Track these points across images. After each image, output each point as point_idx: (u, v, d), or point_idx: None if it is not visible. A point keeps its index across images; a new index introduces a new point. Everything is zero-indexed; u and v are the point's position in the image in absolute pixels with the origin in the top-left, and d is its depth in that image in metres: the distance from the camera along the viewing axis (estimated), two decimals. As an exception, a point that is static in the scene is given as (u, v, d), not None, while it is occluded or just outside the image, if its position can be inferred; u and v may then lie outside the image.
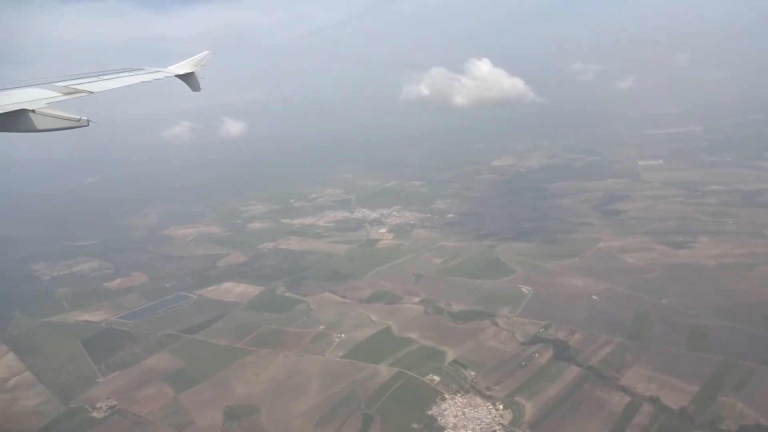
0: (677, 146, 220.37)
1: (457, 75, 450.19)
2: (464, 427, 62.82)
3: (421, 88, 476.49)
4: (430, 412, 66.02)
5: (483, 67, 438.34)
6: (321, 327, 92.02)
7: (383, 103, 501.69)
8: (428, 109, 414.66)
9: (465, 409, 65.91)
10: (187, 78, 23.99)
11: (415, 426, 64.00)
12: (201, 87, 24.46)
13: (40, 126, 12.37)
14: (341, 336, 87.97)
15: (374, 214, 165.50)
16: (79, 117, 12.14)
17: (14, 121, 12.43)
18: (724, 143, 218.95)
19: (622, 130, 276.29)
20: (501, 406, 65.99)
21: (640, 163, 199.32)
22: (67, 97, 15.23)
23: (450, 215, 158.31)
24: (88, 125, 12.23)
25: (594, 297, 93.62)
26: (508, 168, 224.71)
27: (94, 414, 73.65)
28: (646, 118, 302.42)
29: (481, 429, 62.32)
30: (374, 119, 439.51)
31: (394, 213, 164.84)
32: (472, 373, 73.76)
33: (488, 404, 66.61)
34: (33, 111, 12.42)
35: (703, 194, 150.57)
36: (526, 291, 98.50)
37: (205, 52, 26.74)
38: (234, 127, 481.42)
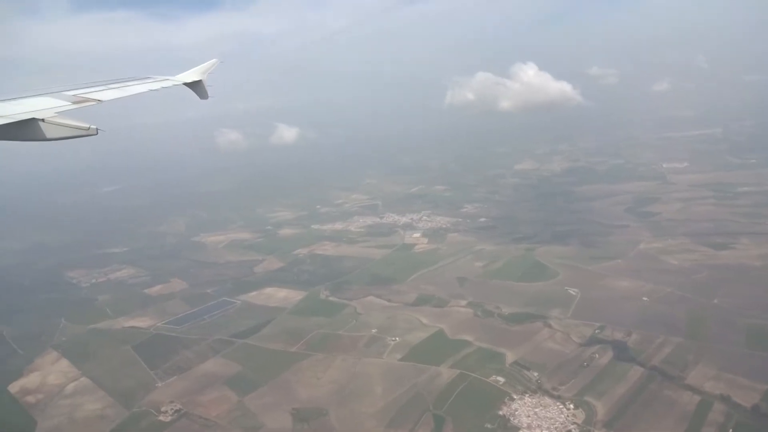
0: (700, 148, 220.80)
1: (503, 79, 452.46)
2: (539, 426, 63.23)
3: (467, 93, 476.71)
4: (501, 413, 66.44)
5: (529, 71, 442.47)
6: (373, 330, 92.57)
7: (426, 108, 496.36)
8: (471, 114, 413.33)
9: (536, 409, 66.35)
10: (195, 86, 24.11)
11: (489, 426, 64.48)
12: (209, 95, 24.57)
13: (49, 135, 12.37)
14: (395, 339, 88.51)
15: (404, 219, 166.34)
16: (87, 125, 12.16)
17: (24, 130, 12.43)
18: (746, 145, 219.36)
19: (641, 133, 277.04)
20: (572, 406, 66.42)
21: (664, 165, 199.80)
22: (76, 106, 15.30)
23: (482, 219, 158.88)
24: (96, 134, 12.22)
25: (644, 298, 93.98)
26: (531, 172, 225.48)
27: (161, 418, 74.23)
28: (663, 120, 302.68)
29: (555, 429, 62.71)
30: (398, 126, 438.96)
31: (425, 218, 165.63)
32: (536, 374, 74.19)
33: (558, 404, 67.05)
34: (42, 120, 12.43)
35: (734, 196, 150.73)
36: (573, 293, 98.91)
37: (213, 60, 26.88)
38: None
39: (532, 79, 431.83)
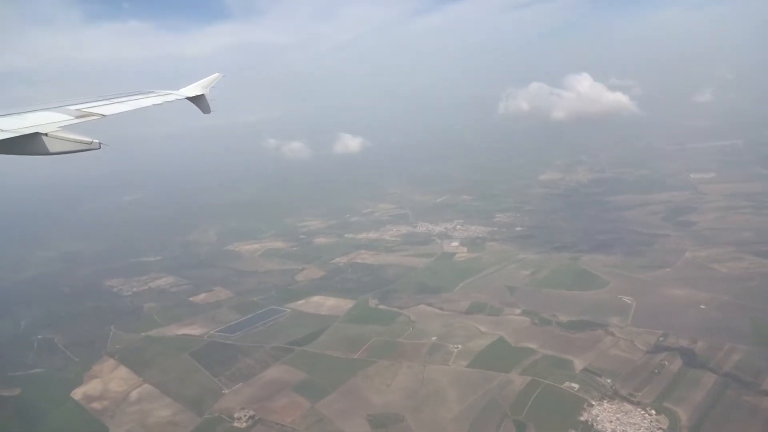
0: (725, 159, 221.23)
1: (557, 89, 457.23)
2: (624, 432, 63.66)
3: (521, 104, 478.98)
4: (582, 419, 66.90)
5: (584, 81, 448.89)
6: (433, 338, 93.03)
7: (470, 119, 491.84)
8: (523, 124, 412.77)
9: (617, 415, 66.79)
10: (198, 100, 24.42)
11: (573, 432, 64.93)
12: (211, 109, 24.79)
13: (52, 149, 12.50)
14: (458, 347, 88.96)
15: (438, 228, 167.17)
16: (90, 140, 12.28)
17: (28, 144, 12.58)
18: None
19: (661, 144, 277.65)
20: (653, 412, 66.83)
21: (692, 176, 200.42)
22: (79, 120, 15.35)
23: (518, 228, 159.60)
24: (99, 148, 12.33)
25: (701, 306, 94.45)
26: (557, 182, 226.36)
27: (236, 424, 74.72)
28: (682, 131, 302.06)
29: (642, 434, 63.13)
30: (417, 137, 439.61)
31: (458, 227, 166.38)
32: (608, 381, 74.60)
33: (639, 410, 67.45)
34: (46, 134, 12.59)
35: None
36: (628, 301, 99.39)
37: (215, 74, 27.18)
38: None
39: (587, 90, 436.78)
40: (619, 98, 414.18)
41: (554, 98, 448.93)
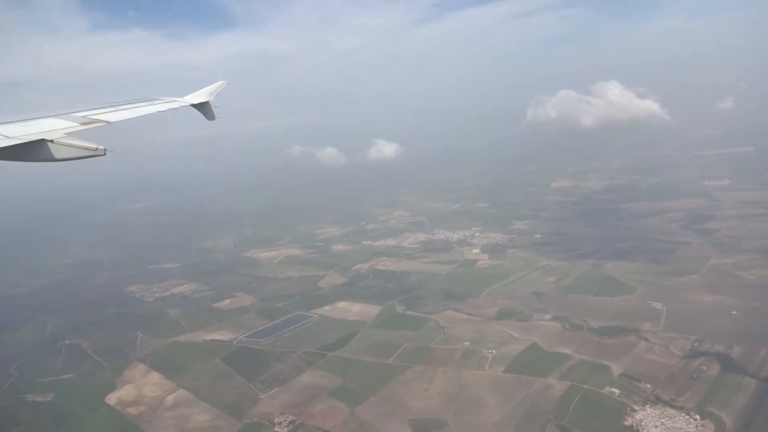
0: (737, 166, 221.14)
1: (586, 97, 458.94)
2: (671, 437, 63.88)
3: (549, 111, 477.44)
4: (627, 423, 67.15)
5: (613, 89, 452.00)
6: (465, 343, 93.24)
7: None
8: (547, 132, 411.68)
9: (662, 420, 66.98)
10: (202, 107, 24.58)
11: (619, 436, 65.14)
12: (216, 116, 24.94)
13: (58, 155, 12.49)
14: (492, 352, 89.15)
15: (456, 236, 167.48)
16: (96, 146, 12.25)
17: (33, 151, 12.58)
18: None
19: (671, 152, 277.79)
20: (698, 417, 67.05)
21: (706, 183, 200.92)
22: (84, 127, 15.31)
23: (537, 236, 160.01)
24: (105, 154, 12.34)
25: (733, 312, 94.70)
26: (570, 190, 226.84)
27: (277, 429, 74.87)
28: (692, 139, 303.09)
29: (689, 439, 63.36)
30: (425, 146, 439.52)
31: (477, 234, 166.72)
32: (648, 386, 74.83)
33: (684, 415, 67.67)
34: (51, 141, 12.56)
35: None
36: (658, 307, 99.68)
37: (220, 81, 27.48)
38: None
39: (617, 98, 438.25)
40: (650, 106, 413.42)
41: (583, 105, 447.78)
